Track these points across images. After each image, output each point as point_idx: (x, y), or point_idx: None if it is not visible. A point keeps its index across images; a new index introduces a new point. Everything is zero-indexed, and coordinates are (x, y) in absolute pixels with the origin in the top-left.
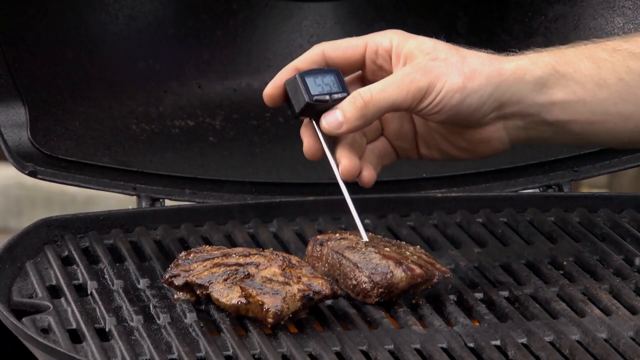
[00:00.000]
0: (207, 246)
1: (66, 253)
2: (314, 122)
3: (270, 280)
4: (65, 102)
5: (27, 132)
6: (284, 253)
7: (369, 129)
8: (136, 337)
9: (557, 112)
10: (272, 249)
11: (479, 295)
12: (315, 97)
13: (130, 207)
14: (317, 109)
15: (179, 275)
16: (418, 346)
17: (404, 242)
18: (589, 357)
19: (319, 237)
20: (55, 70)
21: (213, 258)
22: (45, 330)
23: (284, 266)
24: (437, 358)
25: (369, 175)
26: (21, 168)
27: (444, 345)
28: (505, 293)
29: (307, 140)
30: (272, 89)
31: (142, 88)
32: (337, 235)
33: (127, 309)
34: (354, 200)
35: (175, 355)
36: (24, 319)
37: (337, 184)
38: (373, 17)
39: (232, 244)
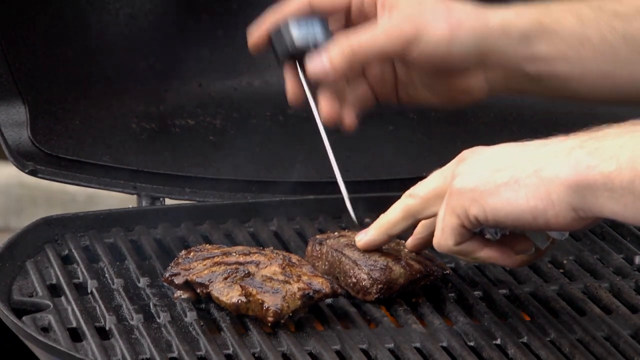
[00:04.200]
0: (208, 245)
1: (66, 252)
2: (298, 67)
3: (271, 279)
4: (66, 101)
5: (28, 131)
6: (284, 252)
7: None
8: (136, 336)
9: (539, 66)
10: (272, 247)
11: (479, 293)
12: (300, 47)
13: (131, 206)
14: (302, 57)
15: (179, 273)
16: (418, 345)
17: (403, 241)
18: (589, 356)
19: (318, 236)
20: (55, 69)
21: (213, 257)
22: (46, 329)
23: (284, 265)
24: (438, 357)
25: (349, 120)
26: (21, 167)
27: (444, 344)
28: (505, 291)
29: (290, 84)
30: (257, 38)
31: (143, 87)
32: (336, 233)
33: (127, 308)
34: (351, 199)
35: (175, 354)
36: (24, 318)
37: (337, 183)
38: None
39: (233, 242)
